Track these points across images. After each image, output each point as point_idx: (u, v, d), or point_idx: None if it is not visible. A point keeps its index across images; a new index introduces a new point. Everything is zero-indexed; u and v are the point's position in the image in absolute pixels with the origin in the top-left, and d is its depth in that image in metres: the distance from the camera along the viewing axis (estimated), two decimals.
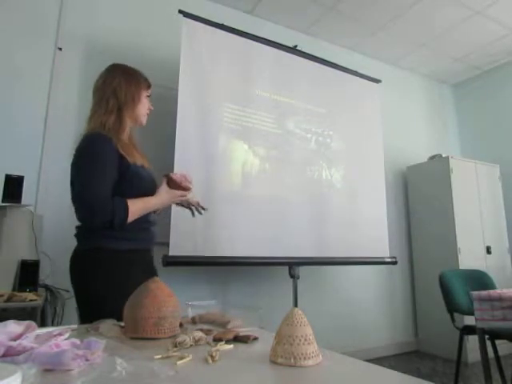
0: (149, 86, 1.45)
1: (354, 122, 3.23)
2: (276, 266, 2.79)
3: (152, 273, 1.37)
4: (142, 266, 1.33)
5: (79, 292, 1.26)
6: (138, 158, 1.32)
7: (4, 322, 0.69)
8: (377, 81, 3.49)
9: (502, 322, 1.66)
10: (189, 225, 2.32)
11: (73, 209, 1.21)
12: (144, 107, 1.42)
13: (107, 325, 0.93)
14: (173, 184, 1.32)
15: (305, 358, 0.67)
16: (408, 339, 3.66)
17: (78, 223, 1.30)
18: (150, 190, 1.32)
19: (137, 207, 1.24)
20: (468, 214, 3.54)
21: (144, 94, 1.41)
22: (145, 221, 1.32)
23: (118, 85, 1.34)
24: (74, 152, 1.28)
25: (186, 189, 1.34)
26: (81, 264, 1.26)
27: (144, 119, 1.44)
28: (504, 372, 2.21)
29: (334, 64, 3.19)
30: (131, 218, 1.22)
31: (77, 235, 1.32)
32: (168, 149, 2.35)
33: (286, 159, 2.78)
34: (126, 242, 1.27)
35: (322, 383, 0.65)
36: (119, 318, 0.95)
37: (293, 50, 3.01)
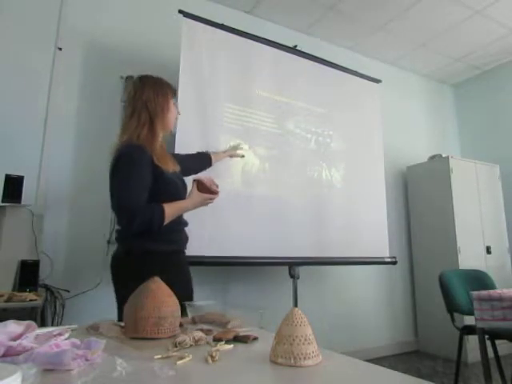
0: (175, 93, 1.56)
1: (354, 122, 3.23)
2: (276, 265, 2.79)
3: (187, 273, 1.49)
4: (180, 266, 1.45)
5: (120, 291, 1.34)
6: (170, 166, 1.42)
7: (4, 322, 0.69)
8: (377, 81, 3.49)
9: (502, 321, 1.66)
10: (189, 225, 2.32)
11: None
12: (173, 115, 1.52)
13: (107, 325, 0.93)
14: (202, 187, 1.43)
15: (305, 358, 0.67)
16: (408, 339, 3.66)
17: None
18: (182, 195, 1.45)
19: (172, 210, 1.35)
20: (468, 214, 3.54)
21: (171, 101, 1.51)
22: (179, 223, 1.46)
23: (147, 98, 1.42)
24: (111, 162, 1.40)
25: (214, 192, 1.46)
26: (123, 265, 1.37)
27: (174, 126, 1.56)
28: (504, 372, 2.21)
29: (334, 64, 3.19)
30: (167, 220, 1.33)
31: (118, 238, 1.42)
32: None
33: (285, 159, 2.78)
34: (164, 244, 1.38)
35: (321, 383, 0.65)
36: None
37: (293, 50, 3.01)
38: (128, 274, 1.29)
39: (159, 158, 1.38)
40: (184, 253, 1.52)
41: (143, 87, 1.45)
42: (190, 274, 1.50)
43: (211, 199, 1.47)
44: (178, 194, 1.43)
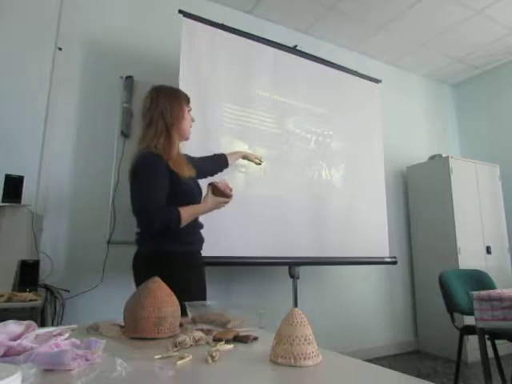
0: (188, 101, 1.62)
1: (354, 122, 3.23)
2: (276, 266, 2.79)
3: (203, 273, 1.53)
4: (196, 266, 1.51)
5: None
6: (186, 172, 1.49)
7: (4, 322, 0.69)
8: (377, 81, 3.49)
9: (501, 321, 1.66)
10: None
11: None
12: (188, 123, 1.60)
13: (107, 325, 0.93)
14: (217, 191, 1.50)
15: (305, 358, 0.67)
16: (408, 339, 3.66)
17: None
18: (197, 198, 1.52)
19: (188, 213, 1.43)
20: (468, 214, 3.54)
21: (186, 110, 1.59)
22: (195, 225, 1.53)
23: (163, 108, 1.50)
24: (130, 170, 1.46)
25: (228, 196, 1.52)
26: (144, 265, 1.43)
27: (189, 133, 1.63)
28: (504, 372, 2.21)
29: (334, 64, 3.19)
30: (184, 223, 1.41)
31: (138, 240, 1.49)
32: None
33: (285, 159, 2.77)
34: (182, 245, 1.45)
35: (321, 383, 0.65)
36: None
37: (293, 50, 3.01)
38: (148, 273, 1.32)
39: (175, 164, 1.45)
40: (200, 253, 1.58)
41: (158, 98, 1.51)
42: (204, 274, 1.55)
43: (225, 202, 1.53)
44: (194, 198, 1.50)
